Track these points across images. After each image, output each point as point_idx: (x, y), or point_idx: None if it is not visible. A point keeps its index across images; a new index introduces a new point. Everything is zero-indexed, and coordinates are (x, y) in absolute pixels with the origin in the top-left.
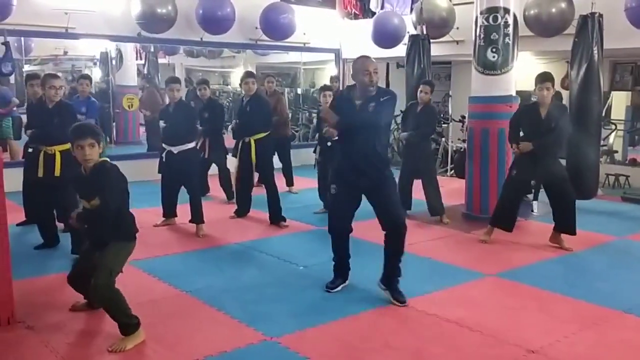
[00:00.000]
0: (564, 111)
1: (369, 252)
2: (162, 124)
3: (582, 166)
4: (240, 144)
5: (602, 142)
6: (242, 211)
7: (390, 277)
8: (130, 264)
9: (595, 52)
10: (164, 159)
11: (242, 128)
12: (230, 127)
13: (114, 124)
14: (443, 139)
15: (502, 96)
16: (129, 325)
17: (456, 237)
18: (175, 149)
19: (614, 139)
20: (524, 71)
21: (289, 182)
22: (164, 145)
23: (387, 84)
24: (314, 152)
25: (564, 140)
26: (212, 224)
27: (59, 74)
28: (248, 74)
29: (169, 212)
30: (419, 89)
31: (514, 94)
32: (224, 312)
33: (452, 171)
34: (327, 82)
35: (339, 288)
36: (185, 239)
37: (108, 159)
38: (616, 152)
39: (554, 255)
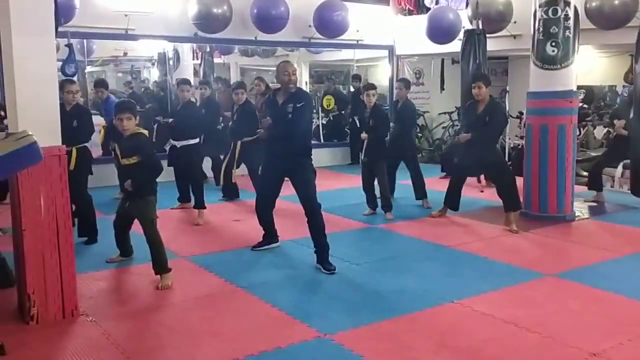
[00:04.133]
0: (497, 107)
1: (425, 251)
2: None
3: None
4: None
5: None
6: None
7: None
8: (188, 260)
9: None
10: (171, 153)
11: (232, 134)
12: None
13: None
14: (500, 136)
15: (562, 91)
16: (165, 263)
17: (514, 236)
18: (179, 144)
19: None
20: (586, 65)
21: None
22: (171, 140)
23: (442, 81)
24: (360, 152)
25: (498, 132)
26: None
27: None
28: (239, 85)
29: (184, 197)
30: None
31: (574, 89)
32: (279, 309)
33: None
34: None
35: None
36: (241, 236)
37: (141, 129)
38: None
39: (617, 255)
